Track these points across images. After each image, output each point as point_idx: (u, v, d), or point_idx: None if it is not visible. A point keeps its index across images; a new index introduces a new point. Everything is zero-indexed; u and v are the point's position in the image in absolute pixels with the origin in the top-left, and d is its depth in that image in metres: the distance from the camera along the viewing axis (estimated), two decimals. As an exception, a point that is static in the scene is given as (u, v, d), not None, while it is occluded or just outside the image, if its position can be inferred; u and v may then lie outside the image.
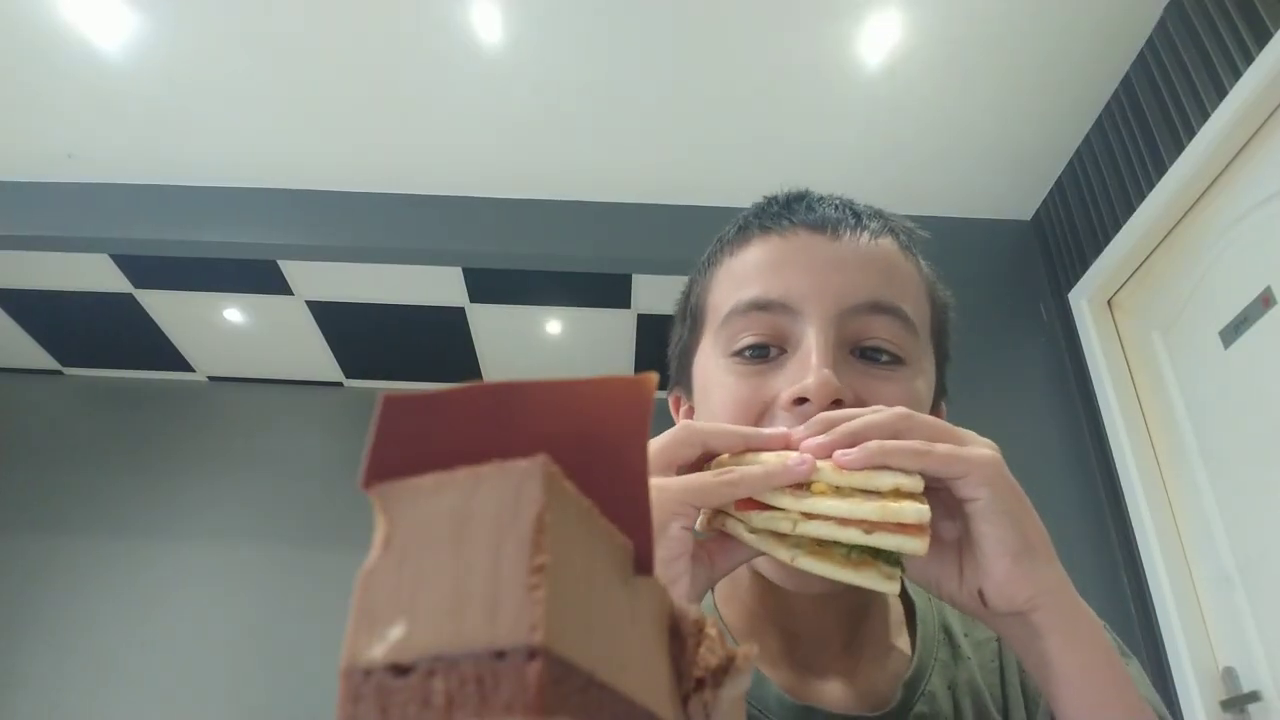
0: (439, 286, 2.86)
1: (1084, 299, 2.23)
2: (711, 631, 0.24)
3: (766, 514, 0.40)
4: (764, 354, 0.52)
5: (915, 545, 0.38)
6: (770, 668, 0.55)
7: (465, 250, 2.50)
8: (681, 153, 2.34)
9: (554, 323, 3.09)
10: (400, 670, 0.16)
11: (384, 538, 0.18)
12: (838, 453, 0.40)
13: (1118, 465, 2.05)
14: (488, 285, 2.85)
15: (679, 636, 0.24)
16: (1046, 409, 2.26)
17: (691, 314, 0.61)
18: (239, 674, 2.89)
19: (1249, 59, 1.65)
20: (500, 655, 0.16)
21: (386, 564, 0.18)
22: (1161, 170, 1.91)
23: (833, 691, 0.55)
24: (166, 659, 2.90)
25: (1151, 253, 2.04)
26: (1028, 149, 2.31)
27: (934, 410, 0.59)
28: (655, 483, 0.40)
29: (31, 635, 2.94)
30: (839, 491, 0.40)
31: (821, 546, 0.40)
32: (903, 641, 0.59)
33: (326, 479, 3.23)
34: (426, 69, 2.10)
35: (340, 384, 3.53)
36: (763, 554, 0.42)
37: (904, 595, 0.62)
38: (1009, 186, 2.44)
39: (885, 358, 0.52)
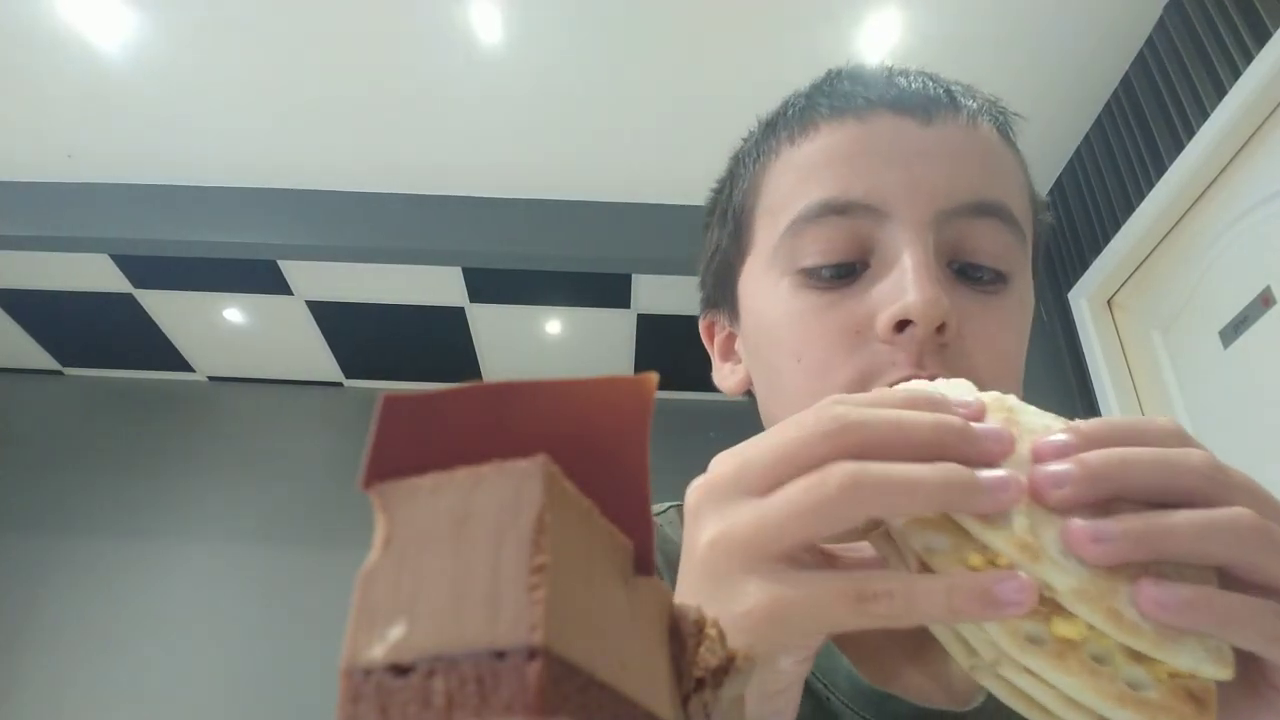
0: (439, 286, 2.86)
1: (1084, 299, 2.23)
2: (711, 631, 0.24)
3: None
4: (842, 273, 0.42)
5: None
6: (840, 643, 0.46)
7: (465, 250, 2.50)
8: (681, 153, 2.34)
9: (554, 323, 3.09)
10: (400, 670, 0.16)
11: (384, 538, 0.18)
12: (1145, 592, 0.23)
13: (1118, 465, 2.05)
14: (488, 285, 2.85)
15: (679, 636, 0.24)
16: (1046, 409, 2.26)
17: (734, 217, 0.50)
18: (239, 673, 2.89)
19: (1249, 59, 1.65)
20: (500, 655, 0.16)
21: (386, 564, 0.18)
22: (1161, 170, 1.91)
23: (909, 679, 0.46)
24: (166, 658, 2.90)
25: (1151, 253, 2.04)
26: (1028, 149, 2.28)
27: None
28: (776, 591, 0.25)
29: (31, 635, 2.94)
30: (1072, 648, 0.24)
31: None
32: None
33: (326, 479, 3.23)
34: (426, 69, 2.10)
35: (340, 384, 3.53)
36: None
37: None
38: (1009, 186, 2.44)
39: (988, 275, 0.42)
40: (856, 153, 0.43)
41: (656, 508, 0.53)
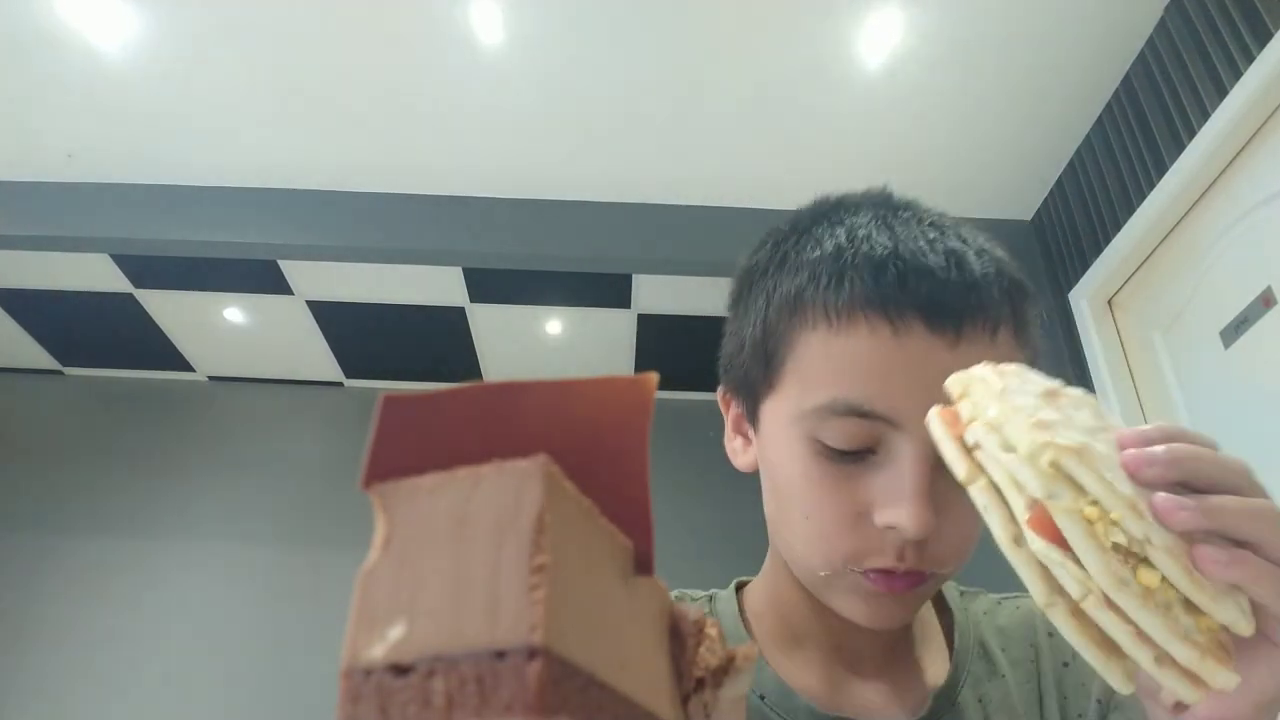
0: (439, 286, 2.86)
1: (1084, 299, 2.23)
2: (711, 632, 0.24)
3: (1056, 554, 0.31)
4: (854, 456, 0.49)
5: (1193, 696, 0.31)
6: (803, 675, 0.56)
7: (465, 250, 2.50)
8: (682, 153, 2.34)
9: (554, 323, 3.09)
10: (400, 670, 0.16)
11: (384, 538, 0.18)
12: (1205, 551, 0.31)
13: (1118, 465, 2.05)
14: (488, 285, 2.85)
15: (679, 636, 0.24)
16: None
17: (765, 353, 0.54)
18: (239, 673, 2.89)
19: (1249, 59, 1.65)
20: (500, 655, 0.16)
21: (386, 564, 0.18)
22: (1161, 170, 1.91)
23: (864, 699, 0.55)
24: (166, 658, 2.90)
25: (1151, 253, 2.04)
26: (1028, 149, 2.31)
27: None
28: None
29: (31, 635, 2.94)
30: (1150, 593, 0.31)
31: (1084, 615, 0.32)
32: (939, 652, 0.59)
33: (326, 479, 3.23)
34: (427, 69, 2.10)
35: (340, 384, 3.53)
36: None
37: (942, 605, 0.62)
38: (1009, 186, 2.44)
39: None
40: (887, 371, 0.49)
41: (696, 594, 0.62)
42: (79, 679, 2.87)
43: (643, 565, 0.23)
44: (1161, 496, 0.32)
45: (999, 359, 0.48)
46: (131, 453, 3.31)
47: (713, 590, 0.63)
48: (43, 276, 2.88)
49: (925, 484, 0.47)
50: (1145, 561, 0.31)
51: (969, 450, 0.36)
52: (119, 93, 2.16)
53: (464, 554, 0.18)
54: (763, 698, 0.54)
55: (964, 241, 0.53)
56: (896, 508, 0.47)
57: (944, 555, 0.49)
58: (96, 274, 2.82)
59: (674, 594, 0.60)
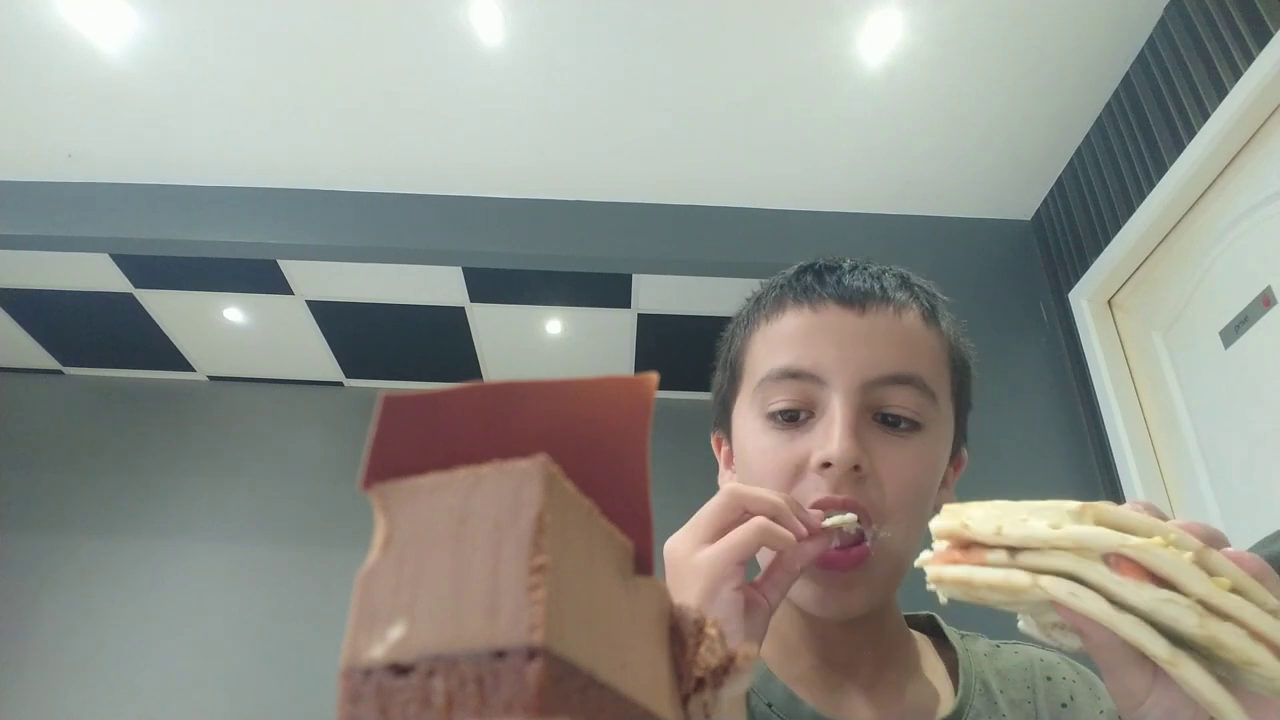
0: (439, 286, 2.86)
1: (1084, 299, 2.23)
2: (711, 632, 0.24)
3: (1162, 594, 0.34)
4: (795, 417, 0.58)
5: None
6: (803, 689, 0.59)
7: (465, 250, 2.50)
8: (681, 153, 2.34)
9: (554, 323, 3.09)
10: (400, 670, 0.16)
11: (384, 538, 0.18)
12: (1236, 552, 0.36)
13: (1118, 465, 2.05)
14: (488, 285, 2.85)
15: (679, 636, 0.24)
16: (1047, 409, 2.26)
17: (731, 367, 0.66)
18: (239, 674, 2.89)
19: (1249, 59, 1.65)
20: (500, 655, 0.16)
21: (386, 564, 0.18)
22: (1161, 170, 1.91)
23: (866, 715, 0.59)
24: (166, 658, 2.90)
25: (1151, 253, 2.04)
26: (1028, 149, 2.31)
27: (956, 457, 0.65)
28: (702, 552, 0.46)
29: (31, 635, 2.94)
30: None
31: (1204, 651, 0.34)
32: (943, 685, 0.62)
33: (326, 479, 3.23)
34: (427, 69, 2.10)
35: (340, 384, 3.53)
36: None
37: (942, 643, 0.66)
38: (1009, 186, 2.44)
39: (904, 424, 0.57)
40: (808, 334, 0.59)
41: None
42: (79, 679, 2.87)
43: (643, 565, 0.23)
44: (1234, 551, 0.36)
45: (906, 334, 0.60)
46: (131, 453, 3.31)
47: None
48: (43, 276, 2.88)
49: (849, 424, 0.55)
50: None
51: (1009, 562, 0.37)
52: (119, 93, 2.16)
53: (464, 554, 0.18)
54: (770, 705, 0.58)
55: (876, 265, 0.64)
56: (826, 446, 0.54)
57: (881, 504, 0.54)
58: (96, 274, 2.82)
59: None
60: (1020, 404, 2.27)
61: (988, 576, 0.37)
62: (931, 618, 0.69)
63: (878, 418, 0.57)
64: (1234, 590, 0.34)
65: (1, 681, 2.87)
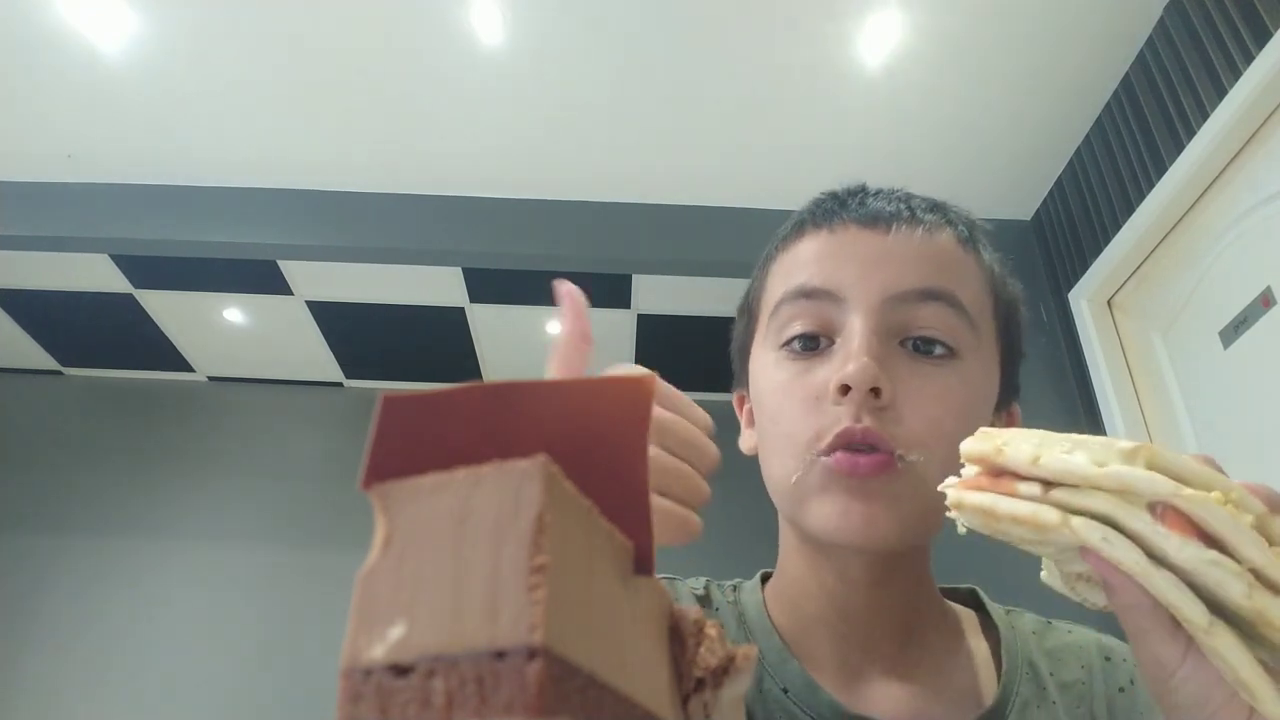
0: (439, 286, 2.86)
1: (1084, 299, 2.23)
2: (711, 632, 0.24)
3: (1209, 554, 0.29)
4: (813, 345, 0.52)
5: None
6: (820, 673, 0.53)
7: (465, 250, 2.50)
8: (681, 153, 2.34)
9: (554, 323, 3.09)
10: (400, 670, 0.16)
11: (384, 538, 0.18)
12: None
13: (1118, 465, 2.05)
14: (488, 285, 2.85)
15: (679, 636, 0.24)
16: (1047, 409, 2.26)
17: (748, 310, 0.61)
18: (238, 674, 2.89)
19: (1249, 59, 1.65)
20: (500, 655, 0.16)
21: (386, 564, 0.18)
22: (1161, 170, 1.91)
23: (893, 703, 0.52)
24: (166, 659, 2.90)
25: (1151, 253, 2.04)
26: (1028, 149, 2.31)
27: (1005, 410, 0.58)
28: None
29: (31, 635, 2.94)
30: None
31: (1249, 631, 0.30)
32: (984, 671, 0.55)
33: (326, 479, 3.23)
34: (427, 69, 2.10)
35: (340, 384, 3.53)
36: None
37: (988, 625, 0.59)
38: (1009, 186, 2.44)
39: (938, 349, 0.51)
40: (824, 254, 0.54)
41: (696, 584, 0.61)
42: (79, 679, 2.87)
43: (643, 565, 0.23)
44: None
45: (937, 252, 0.53)
46: (131, 453, 3.31)
47: (737, 580, 0.62)
48: (43, 276, 2.88)
49: (868, 343, 0.49)
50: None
51: (1040, 497, 0.33)
52: (119, 93, 2.16)
53: (464, 554, 0.18)
54: (786, 691, 0.52)
55: (904, 190, 0.58)
56: (843, 369, 0.48)
57: (907, 434, 0.48)
58: (96, 274, 2.82)
59: (702, 582, 0.60)
60: (1020, 404, 2.27)
61: (1013, 508, 0.33)
62: (973, 591, 0.62)
63: (907, 344, 0.51)
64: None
65: (1, 681, 2.87)
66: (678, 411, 0.38)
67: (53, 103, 2.20)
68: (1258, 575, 0.29)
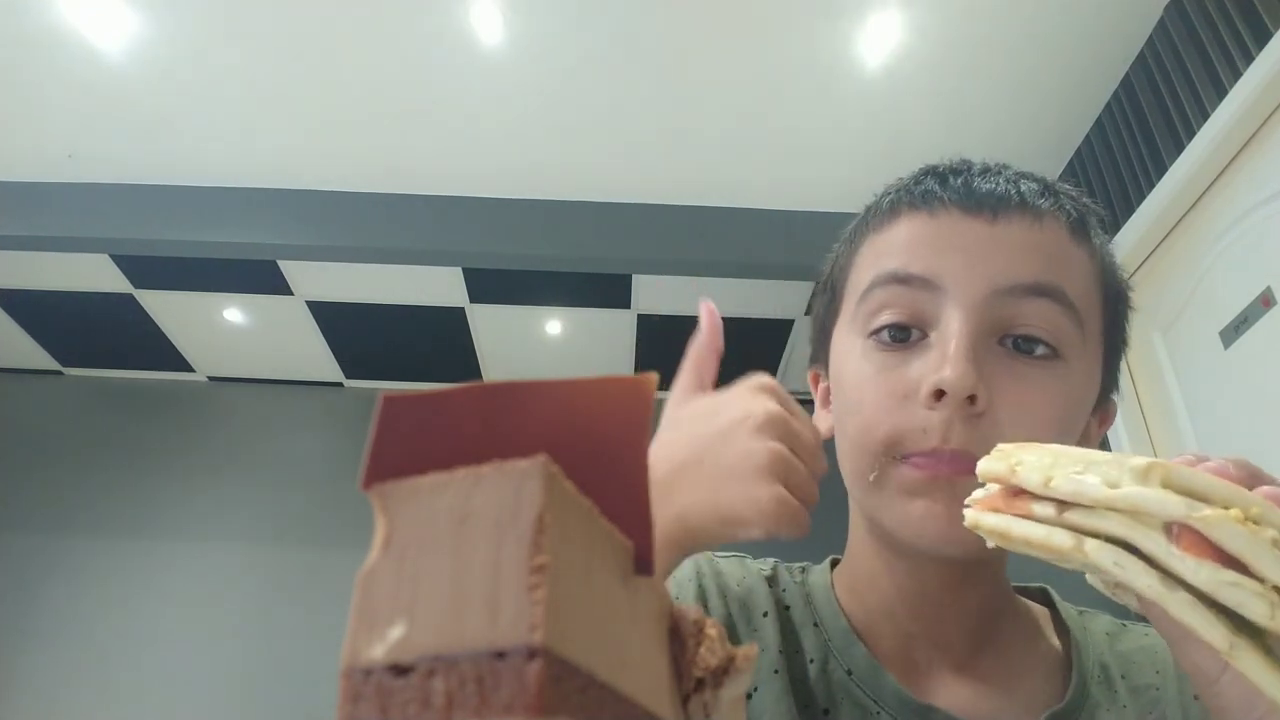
0: (439, 286, 2.86)
1: (1084, 299, 2.23)
2: (711, 632, 0.24)
3: (1227, 575, 0.28)
4: (904, 336, 0.49)
5: None
6: (885, 662, 0.52)
7: (465, 250, 2.50)
8: (681, 153, 2.34)
9: (554, 323, 3.09)
10: (400, 670, 0.16)
11: (384, 538, 0.18)
12: None
13: (1118, 465, 2.05)
14: (488, 285, 2.85)
15: (679, 636, 0.24)
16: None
17: (831, 287, 0.58)
18: (238, 674, 2.89)
19: (1249, 59, 1.65)
20: (500, 655, 0.16)
21: (386, 564, 0.18)
22: (1162, 170, 1.91)
23: (959, 698, 0.51)
24: (166, 658, 2.90)
25: (1151, 253, 2.04)
26: (1028, 149, 2.31)
27: (1103, 408, 0.55)
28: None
29: (31, 635, 2.94)
30: None
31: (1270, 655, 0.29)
32: (1056, 671, 0.54)
33: (326, 479, 3.23)
34: (427, 69, 2.10)
35: (340, 384, 3.53)
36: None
37: (1060, 625, 0.57)
38: (1009, 186, 2.44)
39: (1040, 349, 0.47)
40: (923, 240, 0.50)
41: (763, 564, 0.60)
42: (79, 679, 2.87)
43: (643, 565, 0.23)
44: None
45: (1048, 245, 0.49)
46: (131, 453, 3.31)
47: (805, 563, 0.61)
48: (43, 276, 2.87)
49: (968, 344, 0.45)
50: None
51: (1054, 519, 0.32)
52: (119, 93, 2.16)
53: (464, 554, 0.18)
54: (850, 673, 0.51)
55: (1013, 169, 0.54)
56: (939, 371, 0.45)
57: (1005, 434, 0.44)
58: (96, 274, 2.82)
59: (770, 563, 0.60)
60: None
61: (1026, 532, 0.33)
62: (1044, 590, 0.60)
63: (1006, 341, 0.47)
64: None
65: (1, 681, 2.87)
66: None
67: (53, 103, 2.20)
68: None
